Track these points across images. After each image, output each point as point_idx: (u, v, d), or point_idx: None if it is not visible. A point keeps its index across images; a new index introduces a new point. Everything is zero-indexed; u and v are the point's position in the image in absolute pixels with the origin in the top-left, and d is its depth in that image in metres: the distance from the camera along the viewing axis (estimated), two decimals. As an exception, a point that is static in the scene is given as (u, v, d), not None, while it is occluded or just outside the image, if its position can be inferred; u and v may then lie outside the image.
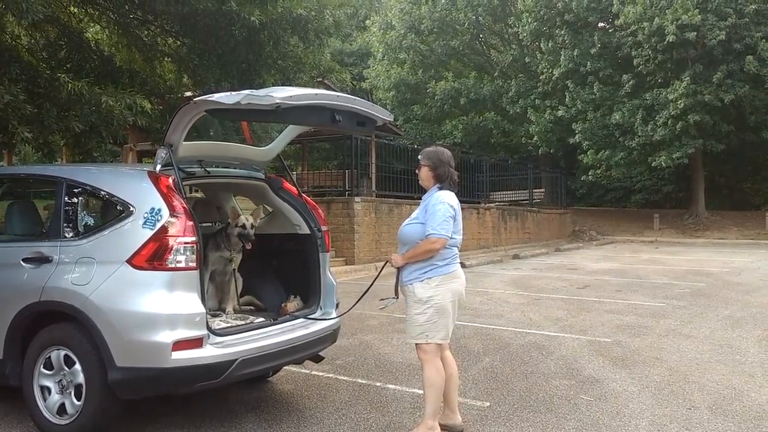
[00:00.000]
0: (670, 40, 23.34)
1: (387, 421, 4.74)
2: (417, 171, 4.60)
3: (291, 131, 5.19)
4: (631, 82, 25.86)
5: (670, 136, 24.90)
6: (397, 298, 4.52)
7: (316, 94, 4.28)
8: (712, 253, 20.48)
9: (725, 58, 24.05)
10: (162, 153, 4.30)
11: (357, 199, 15.15)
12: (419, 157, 4.62)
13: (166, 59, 11.77)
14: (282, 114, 3.98)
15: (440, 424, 4.43)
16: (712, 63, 24.21)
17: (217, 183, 5.21)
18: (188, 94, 11.83)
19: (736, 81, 23.92)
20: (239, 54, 9.90)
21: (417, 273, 4.36)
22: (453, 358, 4.60)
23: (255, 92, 3.93)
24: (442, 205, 4.32)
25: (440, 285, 4.34)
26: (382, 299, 4.56)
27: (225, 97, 3.92)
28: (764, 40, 23.24)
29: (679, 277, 13.79)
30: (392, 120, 4.84)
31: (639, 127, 25.46)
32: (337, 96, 4.38)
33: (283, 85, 10.05)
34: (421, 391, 5.29)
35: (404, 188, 18.05)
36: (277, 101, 3.81)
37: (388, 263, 4.62)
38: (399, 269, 4.48)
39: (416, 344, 4.42)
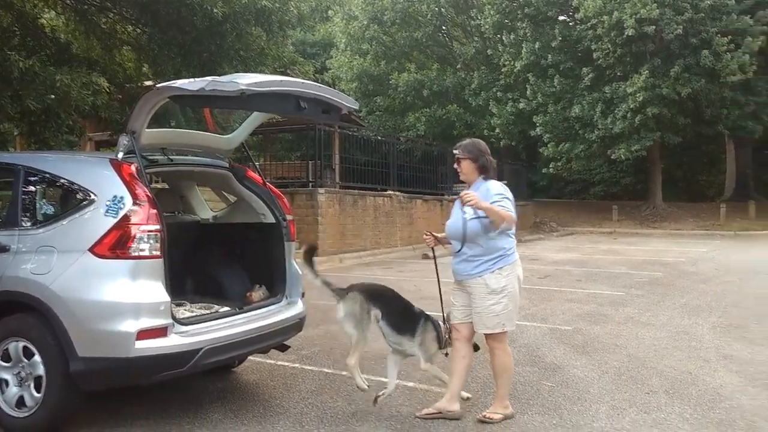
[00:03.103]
0: (629, 34, 23.69)
1: (353, 410, 4.77)
2: (456, 166, 4.64)
3: (255, 119, 5.15)
4: (590, 76, 26.17)
5: (629, 129, 25.29)
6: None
7: (282, 81, 4.26)
8: (668, 243, 20.93)
9: (682, 53, 24.49)
10: (124, 140, 4.24)
11: (321, 190, 15.10)
12: (456, 151, 4.65)
13: (125, 48, 11.57)
14: (246, 101, 3.95)
15: (439, 409, 4.56)
16: (670, 57, 24.65)
17: (180, 172, 5.14)
18: (148, 83, 11.65)
19: (693, 75, 24.38)
20: (201, 44, 9.79)
21: (487, 265, 4.46)
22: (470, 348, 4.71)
23: (219, 78, 3.89)
24: (508, 193, 4.46)
25: (510, 273, 4.49)
26: None
27: (188, 84, 3.88)
28: (719, 36, 23.71)
29: (637, 266, 14.07)
30: (357, 108, 4.85)
31: (599, 120, 25.80)
32: (302, 83, 4.36)
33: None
34: (386, 380, 5.35)
35: (368, 180, 18.06)
36: (242, 87, 3.78)
37: (465, 199, 4.36)
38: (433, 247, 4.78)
39: (490, 334, 4.52)
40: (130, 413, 4.59)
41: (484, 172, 4.56)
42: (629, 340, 6.98)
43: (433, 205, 20.02)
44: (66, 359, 3.92)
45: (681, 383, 5.38)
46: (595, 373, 5.72)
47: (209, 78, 3.90)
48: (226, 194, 5.71)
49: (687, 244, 20.31)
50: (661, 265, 14.22)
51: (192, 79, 3.92)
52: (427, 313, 4.88)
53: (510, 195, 4.47)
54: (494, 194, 4.39)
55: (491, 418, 4.47)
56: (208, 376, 5.28)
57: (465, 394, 4.84)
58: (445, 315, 4.81)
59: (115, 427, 4.37)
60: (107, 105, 8.80)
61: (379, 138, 23.66)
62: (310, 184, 16.03)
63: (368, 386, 4.67)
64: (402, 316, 4.77)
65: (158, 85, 4.05)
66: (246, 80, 3.85)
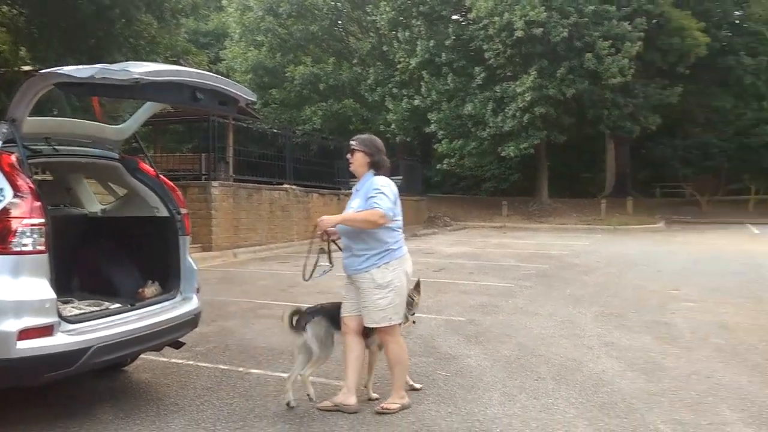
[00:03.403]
0: (519, 36, 24.59)
1: (251, 406, 4.70)
2: (349, 156, 4.70)
3: (147, 109, 4.97)
4: (482, 75, 26.95)
5: (518, 128, 26.26)
6: (332, 266, 4.72)
7: (177, 71, 4.14)
8: (554, 237, 21.91)
9: (568, 55, 25.65)
10: (3, 128, 3.98)
11: (215, 183, 14.75)
12: (352, 142, 4.71)
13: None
14: (140, 90, 3.81)
15: (335, 403, 4.57)
16: (556, 59, 25.76)
17: (66, 163, 4.88)
18: (26, 68, 10.99)
19: (577, 77, 25.60)
20: (87, 30, 9.30)
21: (373, 260, 4.51)
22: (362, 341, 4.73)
23: (110, 66, 3.73)
24: (388, 188, 4.51)
25: (397, 268, 4.54)
26: (319, 265, 4.69)
27: (76, 71, 3.69)
28: (601, 39, 25.01)
29: (526, 259, 14.65)
30: (254, 100, 4.78)
31: (490, 118, 26.62)
32: (199, 73, 4.25)
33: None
34: (285, 375, 5.32)
35: (263, 173, 17.80)
36: (136, 77, 3.64)
37: (316, 229, 4.68)
38: (333, 241, 4.72)
39: (379, 328, 4.56)
40: (15, 418, 4.32)
41: (375, 168, 4.64)
42: (519, 330, 7.26)
43: (329, 199, 20.00)
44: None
45: (567, 370, 5.66)
46: (487, 362, 5.92)
47: (99, 65, 3.73)
48: (115, 187, 5.46)
49: (571, 238, 21.33)
50: (548, 258, 14.87)
51: (80, 66, 3.73)
52: None
53: (392, 190, 4.54)
54: (373, 188, 4.50)
55: (388, 409, 4.53)
56: (98, 375, 5.06)
57: (415, 384, 5.05)
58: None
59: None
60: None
61: (275, 131, 23.37)
62: (204, 177, 15.63)
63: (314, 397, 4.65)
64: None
65: (42, 71, 3.84)
66: (140, 69, 3.71)
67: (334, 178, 21.79)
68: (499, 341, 6.71)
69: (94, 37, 9.61)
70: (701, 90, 31.78)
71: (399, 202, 4.64)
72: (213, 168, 15.66)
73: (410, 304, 4.94)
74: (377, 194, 4.45)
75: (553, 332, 7.15)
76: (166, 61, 10.02)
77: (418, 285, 5.15)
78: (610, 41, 25.12)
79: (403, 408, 4.58)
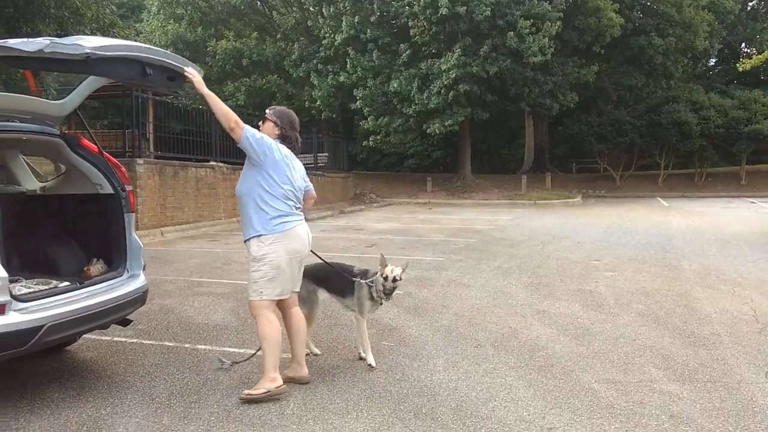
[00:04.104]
0: (443, 13, 24.84)
1: (202, 380, 4.76)
2: (260, 123, 4.60)
3: (90, 84, 4.87)
4: (407, 52, 27.14)
5: (443, 105, 26.63)
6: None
7: (129, 46, 4.10)
8: (478, 212, 22.48)
9: (490, 33, 26.12)
10: None
11: (140, 161, 14.40)
12: (267, 111, 4.65)
13: None
14: (90, 65, 3.75)
15: (288, 377, 4.59)
16: (480, 37, 26.20)
17: (2, 139, 4.74)
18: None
19: (500, 55, 26.12)
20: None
21: (250, 231, 4.42)
22: (301, 314, 4.76)
23: (59, 40, 3.67)
24: (266, 137, 4.41)
25: (275, 243, 4.36)
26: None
27: (24, 44, 3.62)
28: (523, 18, 25.59)
29: (453, 234, 15.03)
30: (201, 75, 4.77)
31: (415, 96, 26.87)
32: (149, 48, 4.21)
33: (59, 37, 9.21)
34: (232, 350, 5.41)
35: (187, 150, 17.45)
36: (87, 51, 3.60)
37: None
38: None
39: (251, 302, 4.47)
40: (-44, 400, 4.25)
41: (284, 141, 4.54)
42: (454, 301, 7.53)
43: (256, 177, 19.79)
44: None
45: (504, 337, 5.95)
46: (428, 331, 6.15)
47: (47, 39, 3.66)
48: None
49: (494, 213, 21.94)
50: (474, 233, 15.30)
51: (27, 39, 3.65)
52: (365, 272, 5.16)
53: (280, 151, 4.44)
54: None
55: (251, 395, 4.28)
56: (40, 356, 4.99)
57: (314, 349, 5.15)
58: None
59: (-60, 415, 4.03)
60: None
61: (200, 107, 22.87)
62: (127, 154, 15.20)
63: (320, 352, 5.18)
64: (340, 284, 5.13)
65: None
66: (91, 43, 3.66)
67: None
68: (437, 312, 6.95)
69: (11, 5, 9.16)
70: (614, 69, 33.12)
71: (296, 168, 4.54)
72: (138, 145, 15.25)
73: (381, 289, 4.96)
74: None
75: (487, 302, 7.45)
76: (92, 33, 9.68)
77: (383, 260, 5.06)
78: (531, 20, 25.73)
79: (271, 394, 4.29)
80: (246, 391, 4.34)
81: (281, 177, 4.41)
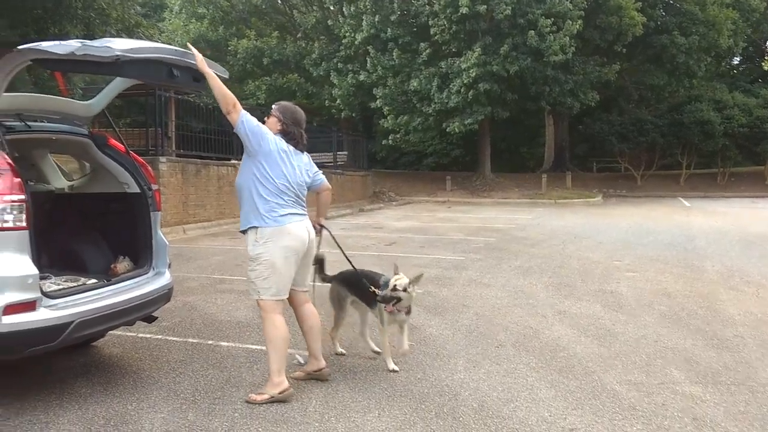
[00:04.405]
0: (464, 12, 24.80)
1: (226, 377, 4.82)
2: (266, 119, 4.57)
3: (117, 85, 4.96)
4: (427, 51, 27.12)
5: (462, 104, 26.59)
6: None
7: (157, 48, 4.16)
8: (498, 211, 22.43)
9: (511, 32, 26.03)
10: None
11: (162, 159, 14.54)
12: (273, 106, 4.61)
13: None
14: (119, 67, 3.83)
15: (308, 372, 4.67)
16: (500, 36, 26.11)
17: (35, 139, 4.85)
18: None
19: (520, 54, 26.02)
20: (35, 0, 9.02)
21: (245, 222, 4.38)
22: (313, 310, 4.75)
23: (90, 43, 3.75)
24: (266, 128, 4.38)
25: (268, 242, 4.29)
26: None
27: (57, 46, 3.69)
28: (543, 17, 25.46)
29: (473, 233, 15.02)
30: (227, 76, 4.83)
31: (435, 94, 26.86)
32: (176, 50, 4.28)
33: (86, 37, 9.35)
34: (254, 347, 5.47)
35: (208, 148, 17.59)
36: (117, 53, 3.67)
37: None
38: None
39: (257, 301, 4.47)
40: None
41: (287, 137, 4.48)
42: (474, 300, 7.55)
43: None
44: None
45: (524, 337, 5.96)
46: (448, 331, 6.18)
47: (78, 42, 3.73)
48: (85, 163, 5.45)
49: (514, 212, 21.89)
50: (494, 232, 15.28)
51: (60, 42, 3.73)
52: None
53: (274, 139, 4.38)
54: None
55: (253, 400, 4.26)
56: (68, 352, 5.08)
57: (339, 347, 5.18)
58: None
59: (-28, 408, 4.13)
60: None
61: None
62: (151, 152, 15.36)
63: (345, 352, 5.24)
64: (366, 293, 5.03)
65: (21, 47, 3.81)
66: (121, 46, 3.73)
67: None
68: (457, 311, 6.97)
69: (40, 7, 9.30)
70: (636, 67, 32.85)
71: (293, 163, 4.45)
72: (161, 143, 15.41)
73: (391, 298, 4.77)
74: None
75: (507, 302, 7.46)
76: (118, 33, 9.81)
77: (417, 279, 4.94)
78: (552, 19, 25.60)
79: (274, 399, 4.26)
80: (251, 395, 4.34)
81: (275, 170, 4.34)
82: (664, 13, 31.94)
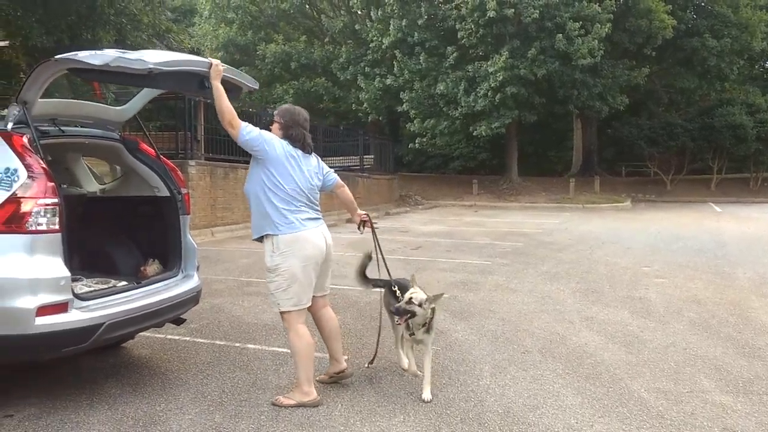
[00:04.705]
0: (491, 16, 24.74)
1: (252, 379, 4.86)
2: (271, 128, 4.54)
3: (150, 92, 5.04)
4: (454, 54, 27.08)
5: (489, 107, 26.49)
6: None
7: (189, 60, 4.22)
8: (525, 215, 22.31)
9: (539, 35, 25.89)
10: (14, 110, 4.04)
11: (191, 162, 14.72)
12: (274, 113, 4.59)
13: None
14: (153, 79, 3.90)
15: (329, 374, 4.69)
16: (528, 39, 25.98)
17: (68, 143, 4.94)
18: (2, 43, 10.82)
19: (548, 57, 25.85)
20: (67, 6, 9.19)
21: (258, 231, 4.39)
22: (332, 314, 4.77)
23: (125, 55, 3.82)
24: (268, 134, 4.33)
25: (286, 252, 4.27)
26: None
27: (92, 57, 3.77)
28: (571, 21, 25.28)
29: (500, 237, 14.95)
30: (257, 88, 4.87)
31: (462, 98, 26.80)
32: (206, 62, 4.34)
33: (117, 42, 9.54)
34: (281, 350, 5.51)
35: (232, 152, 17.73)
36: (150, 66, 3.74)
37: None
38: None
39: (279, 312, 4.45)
40: (21, 391, 4.43)
41: (291, 141, 4.42)
42: (501, 306, 7.52)
43: (303, 179, 20.01)
44: (-44, 338, 3.74)
45: (551, 343, 5.92)
46: (474, 336, 6.16)
47: (113, 52, 3.81)
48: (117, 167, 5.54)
49: (541, 216, 21.74)
50: (521, 236, 15.20)
51: (95, 52, 3.81)
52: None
53: (276, 142, 4.33)
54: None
55: (280, 403, 4.29)
56: (98, 353, 5.17)
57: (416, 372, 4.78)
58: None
59: (6, 405, 4.21)
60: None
61: (251, 110, 23.28)
62: (180, 155, 15.54)
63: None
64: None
65: (57, 57, 3.90)
66: (155, 59, 3.80)
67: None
68: (483, 317, 6.95)
69: (74, 14, 9.47)
70: (666, 71, 32.44)
71: (302, 167, 4.39)
72: (190, 147, 15.59)
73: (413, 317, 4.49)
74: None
75: (534, 308, 7.42)
76: (149, 39, 9.96)
77: (436, 298, 4.64)
78: (580, 22, 25.41)
79: (302, 405, 4.27)
80: (278, 397, 4.37)
81: (284, 176, 4.29)
82: (695, 16, 31.50)
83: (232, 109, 4.20)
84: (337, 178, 4.80)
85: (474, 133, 27.97)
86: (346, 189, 4.87)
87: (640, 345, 5.84)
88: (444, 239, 14.67)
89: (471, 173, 36.40)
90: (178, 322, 5.12)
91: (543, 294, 8.21)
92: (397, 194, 28.88)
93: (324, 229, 4.55)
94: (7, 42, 10.48)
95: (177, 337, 5.89)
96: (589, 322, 6.71)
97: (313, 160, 4.60)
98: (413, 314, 4.52)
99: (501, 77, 25.37)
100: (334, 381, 4.74)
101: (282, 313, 4.40)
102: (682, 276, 9.55)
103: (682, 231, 16.41)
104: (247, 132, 4.26)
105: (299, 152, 4.43)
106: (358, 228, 4.90)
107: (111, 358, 5.32)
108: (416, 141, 30.49)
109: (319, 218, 4.53)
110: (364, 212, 4.90)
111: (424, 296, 4.56)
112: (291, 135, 4.42)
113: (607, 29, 25.78)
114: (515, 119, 27.84)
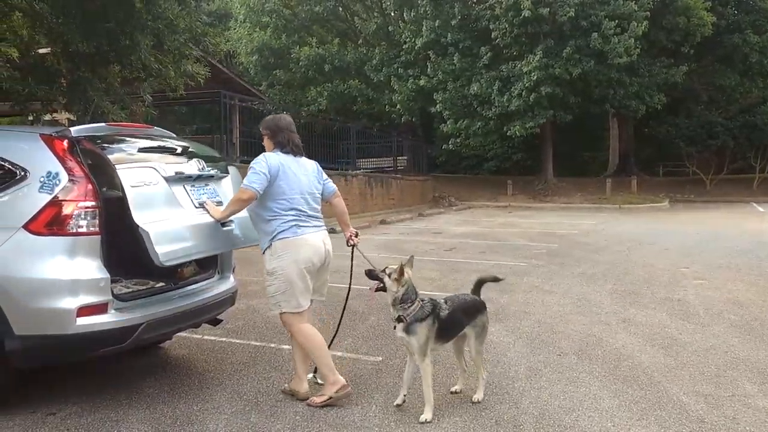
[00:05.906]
0: (526, 15, 24.58)
1: (287, 380, 4.87)
2: (262, 142, 4.63)
3: None
4: (488, 54, 26.95)
5: (524, 107, 26.29)
6: None
7: None
8: (560, 216, 22.08)
9: (573, 34, 25.63)
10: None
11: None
12: (260, 127, 4.66)
13: (16, 14, 10.83)
14: None
15: (290, 390, 4.53)
16: (562, 38, 25.75)
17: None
18: (43, 50, 11.06)
19: (583, 56, 25.57)
20: (107, 12, 9.36)
21: (263, 242, 4.45)
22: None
23: None
24: (257, 163, 4.36)
25: (283, 255, 4.33)
26: None
27: None
28: (607, 19, 24.97)
29: (534, 238, 14.82)
30: None
31: (495, 98, 26.65)
32: None
33: (155, 47, 9.70)
34: (316, 351, 5.50)
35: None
36: None
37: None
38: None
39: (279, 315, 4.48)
40: (62, 391, 4.54)
41: (281, 147, 4.50)
42: (536, 307, 7.45)
43: (336, 180, 19.79)
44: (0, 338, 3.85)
45: (587, 345, 5.86)
46: (509, 338, 6.12)
47: None
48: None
49: (577, 217, 21.50)
50: (556, 237, 15.04)
51: None
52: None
53: (265, 164, 4.34)
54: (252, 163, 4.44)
55: (314, 403, 4.33)
56: (137, 353, 5.26)
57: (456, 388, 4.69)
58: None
59: (49, 403, 4.31)
60: (9, 75, 8.32)
61: (283, 112, 23.50)
62: (215, 158, 15.70)
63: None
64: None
65: None
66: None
67: (338, 159, 21.90)
68: (519, 318, 6.90)
69: (112, 19, 9.63)
70: (705, 68, 31.80)
71: (294, 177, 4.42)
72: (226, 150, 15.78)
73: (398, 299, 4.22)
74: (249, 173, 4.33)
75: (570, 309, 7.34)
76: (185, 43, 10.09)
77: (409, 264, 4.41)
78: (616, 21, 25.10)
79: (332, 399, 4.31)
80: (312, 398, 4.39)
81: (283, 185, 4.37)
82: (736, 12, 30.83)
83: (238, 201, 4.41)
84: (335, 187, 4.86)
85: (508, 134, 27.77)
86: (342, 200, 4.92)
87: (679, 348, 5.74)
88: (477, 240, 14.60)
89: (505, 174, 36.11)
90: (215, 322, 5.19)
91: (579, 296, 8.12)
92: (431, 195, 28.83)
93: (324, 235, 4.60)
94: (48, 49, 10.71)
95: (213, 338, 5.97)
96: (627, 324, 6.62)
97: (311, 165, 4.66)
98: (382, 284, 4.28)
99: (535, 77, 25.17)
100: (289, 395, 4.54)
101: (282, 316, 4.46)
102: (722, 277, 9.36)
103: (722, 231, 16.07)
104: (258, 185, 4.29)
105: (290, 157, 4.51)
106: (347, 243, 4.82)
107: (149, 358, 5.42)
108: (450, 142, 30.37)
109: (321, 225, 4.59)
110: (354, 230, 4.89)
111: (395, 268, 4.26)
112: (279, 141, 4.52)
113: (643, 27, 25.43)
114: (550, 119, 27.61)
